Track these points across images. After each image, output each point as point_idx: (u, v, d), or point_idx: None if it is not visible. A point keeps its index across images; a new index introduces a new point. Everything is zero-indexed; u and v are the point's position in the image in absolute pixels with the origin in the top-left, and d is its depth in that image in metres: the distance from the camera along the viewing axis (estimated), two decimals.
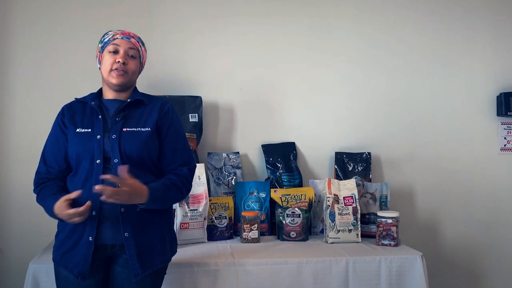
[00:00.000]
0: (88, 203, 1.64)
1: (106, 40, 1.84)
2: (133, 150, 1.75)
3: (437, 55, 2.93)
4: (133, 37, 1.85)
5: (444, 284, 2.88)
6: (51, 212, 1.70)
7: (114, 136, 1.75)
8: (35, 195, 1.81)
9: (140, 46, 1.87)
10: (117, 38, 1.82)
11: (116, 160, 1.73)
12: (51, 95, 2.60)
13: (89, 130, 1.77)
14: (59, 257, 1.76)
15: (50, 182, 1.79)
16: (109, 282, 1.79)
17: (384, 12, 2.90)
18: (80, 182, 1.73)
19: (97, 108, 1.81)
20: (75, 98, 1.89)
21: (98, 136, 1.75)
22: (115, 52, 1.81)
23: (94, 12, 2.66)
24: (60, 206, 1.65)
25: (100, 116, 1.79)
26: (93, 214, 1.70)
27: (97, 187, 1.57)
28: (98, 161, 1.72)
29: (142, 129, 1.79)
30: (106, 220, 1.72)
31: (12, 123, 2.62)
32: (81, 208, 1.62)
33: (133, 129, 1.78)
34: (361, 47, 2.88)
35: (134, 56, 1.84)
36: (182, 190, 1.82)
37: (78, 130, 1.78)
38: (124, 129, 1.77)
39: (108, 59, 1.80)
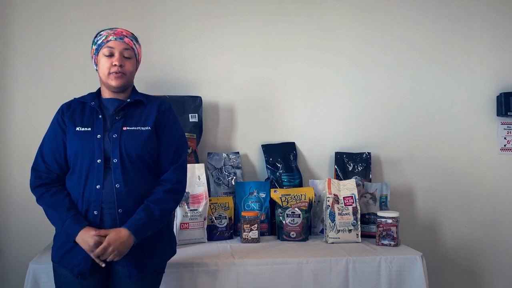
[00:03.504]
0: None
1: (99, 42, 1.81)
2: (133, 149, 1.74)
3: (437, 55, 2.93)
4: (126, 36, 1.81)
5: (444, 284, 2.88)
6: (60, 227, 1.70)
7: (115, 136, 1.74)
8: (33, 194, 1.77)
9: (134, 44, 1.84)
10: (110, 40, 1.79)
11: (115, 160, 1.72)
12: (51, 96, 2.59)
13: (89, 129, 1.76)
14: (59, 258, 1.75)
15: (55, 189, 1.75)
16: (109, 281, 1.79)
17: (384, 12, 2.89)
18: (81, 182, 1.72)
19: (97, 108, 1.80)
20: (74, 98, 1.89)
21: (99, 136, 1.74)
22: (111, 55, 1.79)
23: (94, 12, 2.66)
24: (88, 238, 1.66)
25: (100, 116, 1.78)
26: (95, 213, 1.71)
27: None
28: (98, 161, 1.72)
29: (142, 128, 1.79)
30: (107, 220, 1.72)
31: (12, 123, 2.62)
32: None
33: (133, 128, 1.78)
34: (361, 47, 2.87)
35: (130, 56, 1.81)
36: (170, 201, 1.79)
37: (77, 128, 1.77)
38: (124, 128, 1.77)
39: (104, 63, 1.79)
